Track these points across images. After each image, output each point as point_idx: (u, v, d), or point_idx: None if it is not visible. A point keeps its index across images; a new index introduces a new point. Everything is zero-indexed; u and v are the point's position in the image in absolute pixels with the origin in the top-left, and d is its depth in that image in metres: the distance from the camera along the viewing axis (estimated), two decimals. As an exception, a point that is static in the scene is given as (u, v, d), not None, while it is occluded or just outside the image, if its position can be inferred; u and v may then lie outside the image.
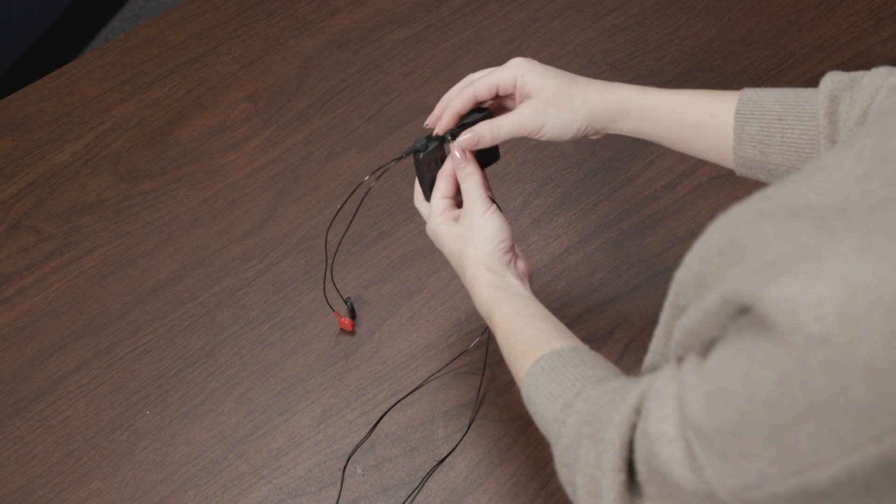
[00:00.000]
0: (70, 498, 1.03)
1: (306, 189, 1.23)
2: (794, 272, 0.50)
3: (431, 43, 1.35)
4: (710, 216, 0.61)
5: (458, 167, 0.90)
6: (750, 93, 0.87)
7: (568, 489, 0.73)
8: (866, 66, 0.85)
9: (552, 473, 1.03)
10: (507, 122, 0.90)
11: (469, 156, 0.91)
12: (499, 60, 1.32)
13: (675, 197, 1.21)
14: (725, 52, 1.32)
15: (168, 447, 1.06)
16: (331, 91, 1.32)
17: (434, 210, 0.91)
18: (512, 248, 0.89)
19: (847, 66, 1.29)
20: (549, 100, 0.89)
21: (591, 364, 0.77)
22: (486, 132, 0.90)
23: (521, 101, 0.91)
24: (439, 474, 1.04)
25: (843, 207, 0.54)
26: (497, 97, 0.93)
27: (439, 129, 0.92)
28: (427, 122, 0.93)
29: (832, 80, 0.84)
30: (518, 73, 0.90)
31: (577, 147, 1.25)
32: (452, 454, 1.05)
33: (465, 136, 0.90)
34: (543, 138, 0.90)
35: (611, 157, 1.24)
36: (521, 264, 0.90)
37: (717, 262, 0.59)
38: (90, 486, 1.04)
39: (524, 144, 1.25)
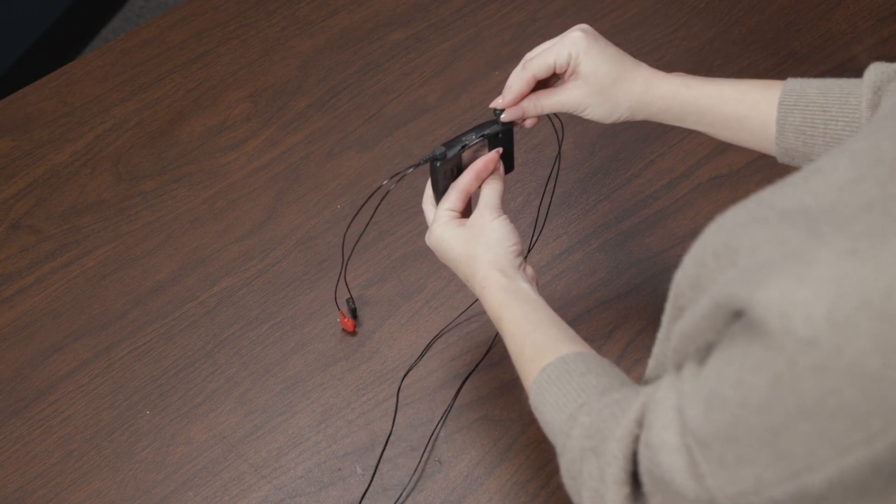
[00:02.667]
0: (70, 498, 1.03)
1: (306, 189, 1.23)
2: (782, 276, 0.50)
3: (431, 43, 1.35)
4: (710, 216, 0.62)
5: (487, 172, 0.91)
6: (793, 83, 0.87)
7: (574, 499, 0.73)
8: (866, 67, 0.85)
9: (552, 473, 1.03)
10: (552, 101, 0.91)
11: (501, 164, 0.92)
12: (499, 60, 1.33)
13: (675, 197, 1.21)
14: (725, 52, 1.32)
15: (168, 447, 1.06)
16: (331, 91, 1.32)
17: (438, 219, 0.91)
18: (522, 252, 0.89)
19: (847, 66, 1.29)
20: (595, 90, 0.90)
21: (596, 372, 0.77)
22: (530, 107, 0.91)
23: (570, 78, 0.91)
24: (439, 474, 1.04)
25: (834, 209, 0.54)
26: (555, 75, 0.93)
27: (503, 107, 0.93)
28: (493, 103, 0.94)
29: (876, 72, 0.83)
30: (574, 51, 0.90)
31: (577, 147, 1.25)
32: (452, 454, 1.05)
33: (511, 110, 0.91)
34: (584, 118, 0.92)
35: (611, 157, 1.24)
36: (529, 269, 0.90)
37: (711, 264, 0.59)
38: (90, 486, 1.04)
39: (524, 144, 1.25)
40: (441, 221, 0.90)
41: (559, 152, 1.05)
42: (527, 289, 0.87)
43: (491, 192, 0.91)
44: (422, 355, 1.10)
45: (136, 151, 1.27)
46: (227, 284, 1.16)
